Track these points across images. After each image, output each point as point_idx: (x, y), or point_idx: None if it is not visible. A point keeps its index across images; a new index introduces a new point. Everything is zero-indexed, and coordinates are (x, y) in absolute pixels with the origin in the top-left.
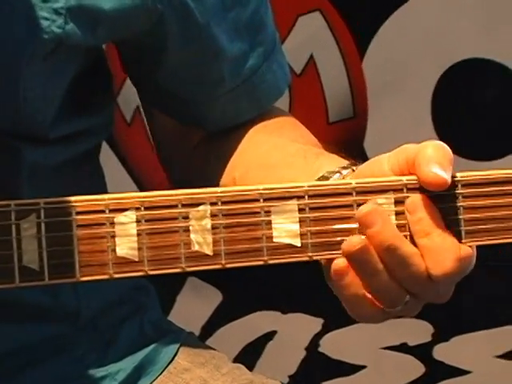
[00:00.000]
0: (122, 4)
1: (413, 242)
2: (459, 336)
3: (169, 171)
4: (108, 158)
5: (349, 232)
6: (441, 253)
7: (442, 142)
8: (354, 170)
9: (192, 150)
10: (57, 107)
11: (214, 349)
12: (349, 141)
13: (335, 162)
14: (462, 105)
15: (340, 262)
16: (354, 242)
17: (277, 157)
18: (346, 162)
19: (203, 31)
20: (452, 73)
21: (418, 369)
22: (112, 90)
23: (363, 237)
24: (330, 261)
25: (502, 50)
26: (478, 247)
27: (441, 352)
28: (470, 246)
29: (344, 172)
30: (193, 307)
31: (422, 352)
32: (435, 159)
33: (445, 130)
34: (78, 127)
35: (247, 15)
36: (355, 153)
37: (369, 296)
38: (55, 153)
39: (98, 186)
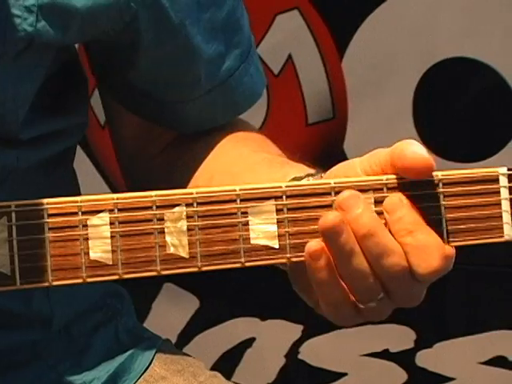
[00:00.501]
0: (95, 2)
1: None
2: (442, 342)
3: (128, 178)
4: (81, 161)
5: None
6: (426, 250)
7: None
8: (322, 177)
9: (157, 155)
10: (28, 108)
11: (190, 356)
12: (328, 142)
13: (302, 169)
14: (444, 105)
15: (314, 244)
16: (330, 217)
17: (241, 165)
18: (312, 170)
19: (178, 31)
20: (433, 72)
21: (400, 376)
22: (86, 91)
23: (338, 213)
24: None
25: (484, 50)
26: (462, 252)
27: (423, 359)
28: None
29: (311, 179)
30: (169, 314)
31: (404, 359)
32: (412, 146)
33: (426, 130)
34: (50, 128)
35: (223, 16)
36: (335, 154)
37: (342, 285)
38: (27, 155)
39: (72, 188)
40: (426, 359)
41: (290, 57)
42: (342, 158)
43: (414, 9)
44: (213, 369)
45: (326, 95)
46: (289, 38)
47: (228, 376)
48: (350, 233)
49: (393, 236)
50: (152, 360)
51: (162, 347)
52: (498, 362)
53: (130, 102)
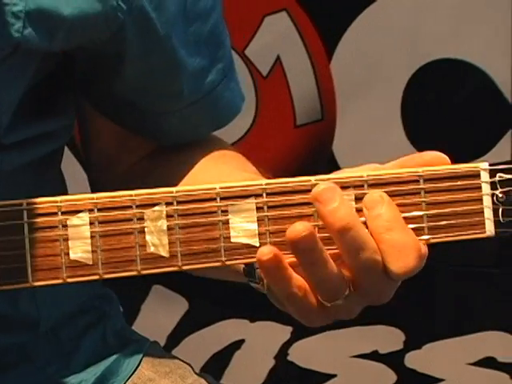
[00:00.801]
0: (82, 10)
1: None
2: (431, 343)
3: (98, 190)
4: (69, 162)
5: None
6: (402, 250)
7: None
8: None
9: (131, 167)
10: (13, 112)
11: (179, 358)
12: (317, 144)
13: None
14: (433, 106)
15: (266, 250)
16: (298, 228)
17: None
18: None
19: (164, 43)
20: (422, 74)
21: (389, 377)
22: (74, 93)
23: (308, 224)
24: None
25: (472, 51)
26: (451, 252)
27: (413, 360)
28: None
29: None
30: (158, 316)
31: (393, 360)
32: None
33: (415, 131)
34: (36, 131)
35: (207, 30)
36: (324, 156)
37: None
38: (11, 158)
39: (60, 189)
40: (416, 360)
41: (278, 58)
42: (331, 159)
43: (403, 10)
44: (202, 370)
45: (315, 96)
46: (277, 40)
47: (217, 378)
48: (318, 242)
49: (370, 233)
50: (140, 362)
51: (150, 349)
52: (487, 362)
53: (112, 110)
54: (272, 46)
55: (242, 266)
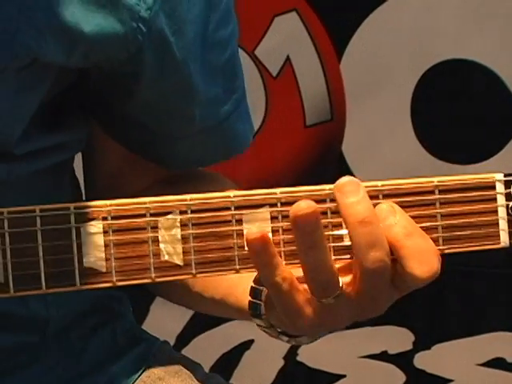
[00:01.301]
0: (102, 29)
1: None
2: (441, 344)
3: None
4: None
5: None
6: (426, 253)
7: None
8: None
9: (138, 193)
10: (26, 123)
11: (188, 358)
12: (326, 144)
13: None
14: (442, 107)
15: (255, 230)
16: (302, 206)
17: None
18: None
19: (180, 68)
20: (432, 74)
21: (398, 377)
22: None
23: (313, 203)
24: None
25: (482, 51)
26: (461, 253)
27: (422, 360)
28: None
29: None
30: (168, 316)
31: (402, 360)
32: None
33: (424, 132)
34: (47, 143)
35: (224, 60)
36: (333, 156)
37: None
38: (19, 168)
39: (73, 196)
40: (425, 361)
41: (288, 58)
42: (341, 159)
43: (413, 10)
44: (211, 371)
45: (325, 97)
46: (287, 40)
47: (226, 378)
48: (321, 225)
49: (389, 242)
50: (150, 362)
51: (160, 349)
52: (497, 363)
53: (121, 131)
54: (282, 46)
55: (247, 301)
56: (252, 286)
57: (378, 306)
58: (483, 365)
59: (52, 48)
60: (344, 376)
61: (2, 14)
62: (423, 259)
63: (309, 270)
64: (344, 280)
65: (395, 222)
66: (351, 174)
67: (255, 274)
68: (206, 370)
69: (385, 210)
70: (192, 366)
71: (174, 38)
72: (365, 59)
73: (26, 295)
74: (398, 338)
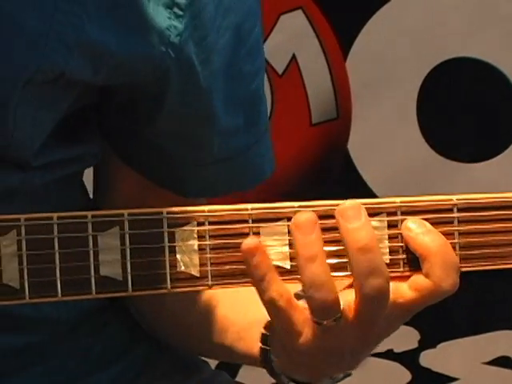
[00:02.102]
0: (131, 50)
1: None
2: (446, 342)
3: None
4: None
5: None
6: (453, 266)
7: None
8: None
9: None
10: (45, 136)
11: (195, 356)
12: (332, 142)
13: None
14: (448, 105)
15: (251, 240)
16: (303, 215)
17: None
18: None
19: (203, 95)
20: (438, 72)
21: (404, 376)
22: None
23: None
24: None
25: (488, 50)
26: None
27: (427, 359)
28: None
29: None
30: None
31: (408, 359)
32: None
33: (430, 130)
34: (63, 156)
35: (249, 92)
36: (339, 154)
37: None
38: (33, 178)
39: (82, 202)
40: (430, 359)
41: (294, 57)
42: (346, 157)
43: (418, 9)
44: (217, 368)
45: (330, 95)
46: (293, 38)
47: (232, 376)
48: (320, 237)
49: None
50: (156, 358)
51: (166, 346)
52: (502, 362)
53: (138, 157)
54: (288, 44)
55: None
56: (262, 333)
57: (381, 335)
58: (489, 363)
59: (79, 65)
60: (349, 374)
61: (33, 28)
62: (449, 272)
63: (307, 286)
64: (345, 303)
65: (426, 231)
66: (357, 173)
67: (265, 319)
68: (212, 367)
69: (414, 220)
70: (198, 363)
71: (201, 66)
72: (371, 57)
73: (41, 302)
74: (404, 337)
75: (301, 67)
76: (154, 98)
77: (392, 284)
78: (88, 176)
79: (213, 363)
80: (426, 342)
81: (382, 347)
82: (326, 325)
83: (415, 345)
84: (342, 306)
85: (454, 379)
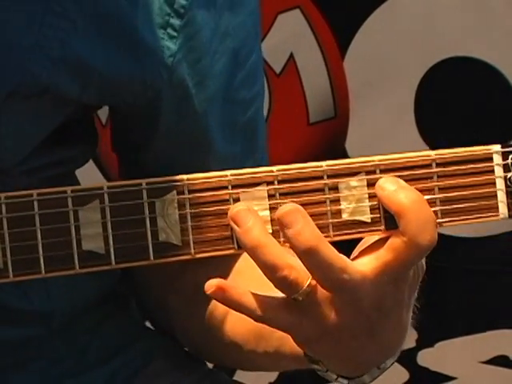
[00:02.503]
0: (120, 69)
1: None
2: (444, 341)
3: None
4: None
5: (322, 216)
6: (427, 219)
7: None
8: None
9: None
10: (31, 148)
11: (192, 354)
12: (330, 141)
13: None
14: (446, 105)
15: (213, 283)
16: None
17: None
18: None
19: (198, 120)
20: (435, 71)
21: (401, 375)
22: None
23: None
24: None
25: (486, 49)
26: (464, 251)
27: (425, 358)
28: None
29: None
30: None
31: (405, 358)
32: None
33: (428, 130)
34: (50, 159)
35: (246, 119)
36: (337, 153)
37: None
38: (17, 182)
39: None
40: (428, 358)
41: (291, 56)
42: (344, 157)
43: (416, 8)
44: (215, 368)
45: (328, 94)
46: (290, 37)
47: (230, 375)
48: (258, 221)
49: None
50: (153, 356)
51: (164, 343)
52: (500, 361)
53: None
54: (285, 43)
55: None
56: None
57: (381, 307)
58: (486, 362)
59: (64, 81)
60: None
61: (18, 40)
62: (426, 226)
63: (263, 271)
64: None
65: (399, 188)
66: None
67: None
68: (210, 366)
69: (387, 179)
70: (195, 362)
71: (195, 89)
72: (368, 56)
73: (25, 280)
74: None
75: (298, 66)
76: (148, 119)
77: (372, 254)
78: (86, 176)
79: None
80: (424, 341)
81: None
82: (301, 300)
83: (413, 344)
84: (309, 280)
85: (452, 378)
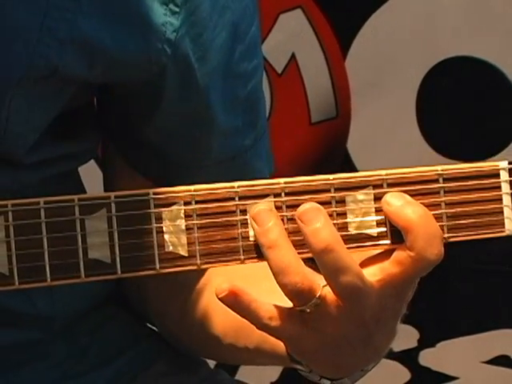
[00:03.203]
0: (126, 46)
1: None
2: (445, 341)
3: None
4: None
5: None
6: (435, 234)
7: None
8: None
9: None
10: (39, 134)
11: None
12: (332, 141)
13: None
14: (447, 104)
15: (224, 287)
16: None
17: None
18: None
19: (201, 94)
20: (437, 71)
21: (403, 375)
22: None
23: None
24: None
25: (487, 48)
26: (466, 251)
27: (427, 358)
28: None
29: None
30: None
31: (407, 358)
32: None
33: (429, 129)
34: (56, 153)
35: (246, 92)
36: (338, 153)
37: None
38: (24, 177)
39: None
40: (430, 358)
41: (293, 56)
42: (345, 156)
43: (417, 8)
44: (217, 367)
45: (330, 94)
46: (292, 37)
47: (231, 374)
48: (278, 221)
49: (400, 224)
50: (155, 357)
51: (165, 345)
52: (502, 361)
53: (137, 157)
54: (287, 43)
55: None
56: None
57: (381, 317)
58: (488, 362)
59: (73, 61)
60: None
61: (25, 23)
62: (433, 242)
63: (275, 274)
64: (326, 288)
65: (406, 203)
66: (356, 171)
67: None
68: (212, 366)
69: (393, 194)
70: (197, 362)
71: (198, 63)
72: (370, 56)
73: (31, 291)
74: (403, 336)
75: (300, 66)
76: (151, 96)
77: (376, 266)
78: (87, 176)
79: (212, 362)
80: (426, 341)
81: None
82: (307, 310)
83: (414, 344)
84: (320, 292)
85: (454, 378)
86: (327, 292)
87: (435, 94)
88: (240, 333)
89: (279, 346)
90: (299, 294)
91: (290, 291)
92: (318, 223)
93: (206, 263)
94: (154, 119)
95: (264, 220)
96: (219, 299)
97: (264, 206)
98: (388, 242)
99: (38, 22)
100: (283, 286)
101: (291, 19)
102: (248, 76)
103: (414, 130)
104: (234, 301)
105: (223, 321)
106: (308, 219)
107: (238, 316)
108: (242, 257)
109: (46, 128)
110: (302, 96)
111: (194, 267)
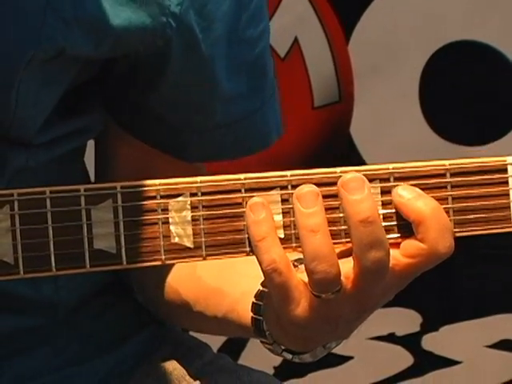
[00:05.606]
0: (131, 23)
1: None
2: (448, 326)
3: None
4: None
5: (335, 222)
6: (447, 227)
7: None
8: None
9: None
10: (48, 113)
11: (196, 338)
12: (335, 125)
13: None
14: (450, 88)
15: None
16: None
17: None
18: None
19: (205, 63)
20: (440, 55)
21: (406, 359)
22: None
23: None
24: None
25: (491, 33)
26: (468, 236)
27: (430, 342)
28: None
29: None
30: None
31: (410, 342)
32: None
33: (432, 113)
34: (66, 130)
35: (252, 58)
36: (341, 137)
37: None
38: (38, 155)
39: (83, 180)
40: (432, 343)
41: (296, 40)
42: (349, 141)
43: None
44: (219, 351)
45: (333, 78)
46: (295, 21)
47: (234, 359)
48: (321, 207)
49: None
50: (159, 342)
51: (169, 330)
52: (505, 345)
53: (140, 124)
54: (290, 27)
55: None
56: (253, 302)
57: (377, 304)
58: (491, 346)
59: (79, 40)
60: (352, 358)
61: (30, 6)
62: (445, 235)
63: (310, 259)
64: (343, 275)
65: (418, 196)
66: (359, 155)
67: (257, 289)
68: (214, 350)
69: (404, 186)
70: (201, 347)
71: (202, 34)
72: (373, 41)
73: (36, 277)
74: (406, 320)
75: (303, 50)
76: (156, 67)
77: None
78: (89, 160)
79: (215, 346)
80: (428, 326)
81: (383, 330)
82: (324, 298)
83: (417, 328)
84: (341, 278)
85: (457, 362)
86: (345, 280)
87: (438, 78)
88: (210, 301)
89: (245, 317)
90: (327, 283)
91: (320, 278)
92: (362, 194)
93: (212, 255)
94: (157, 88)
95: (309, 203)
96: (250, 205)
97: (310, 187)
98: (396, 235)
99: (43, 3)
100: (313, 272)
101: (294, 3)
102: (254, 41)
103: (416, 113)
104: (260, 213)
105: (195, 287)
106: (352, 188)
107: (209, 284)
108: (248, 249)
109: (55, 107)
110: (305, 80)
111: (200, 259)
